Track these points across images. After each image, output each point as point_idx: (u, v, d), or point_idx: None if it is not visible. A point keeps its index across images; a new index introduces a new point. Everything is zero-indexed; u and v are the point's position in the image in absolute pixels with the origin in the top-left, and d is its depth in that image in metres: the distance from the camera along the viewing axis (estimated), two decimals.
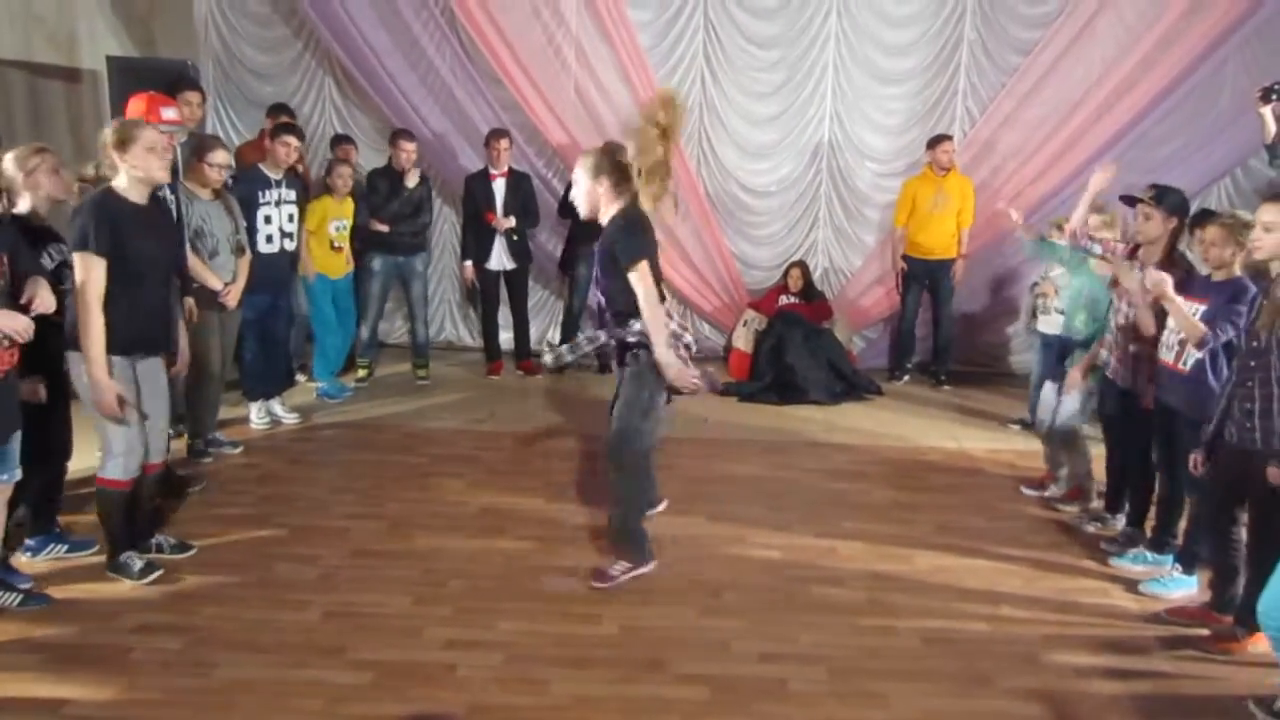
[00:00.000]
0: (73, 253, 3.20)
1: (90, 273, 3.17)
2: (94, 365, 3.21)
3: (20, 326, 2.90)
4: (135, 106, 3.98)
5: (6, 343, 2.97)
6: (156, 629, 3.20)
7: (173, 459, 4.21)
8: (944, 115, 7.01)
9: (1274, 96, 4.46)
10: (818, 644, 3.26)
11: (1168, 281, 3.41)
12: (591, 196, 3.44)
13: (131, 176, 3.30)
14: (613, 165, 3.40)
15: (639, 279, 3.35)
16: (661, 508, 4.21)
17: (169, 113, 4.07)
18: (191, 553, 3.74)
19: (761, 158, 7.19)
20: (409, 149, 6.05)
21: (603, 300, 3.55)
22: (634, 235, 3.39)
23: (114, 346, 3.28)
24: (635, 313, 3.40)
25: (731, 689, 2.98)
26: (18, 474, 3.18)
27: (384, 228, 5.98)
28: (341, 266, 5.82)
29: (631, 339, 3.45)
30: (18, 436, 3.11)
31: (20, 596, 3.29)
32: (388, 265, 6.14)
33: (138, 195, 3.33)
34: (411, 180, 6.06)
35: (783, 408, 6.14)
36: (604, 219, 3.47)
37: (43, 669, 2.95)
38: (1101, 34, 6.65)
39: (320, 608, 3.38)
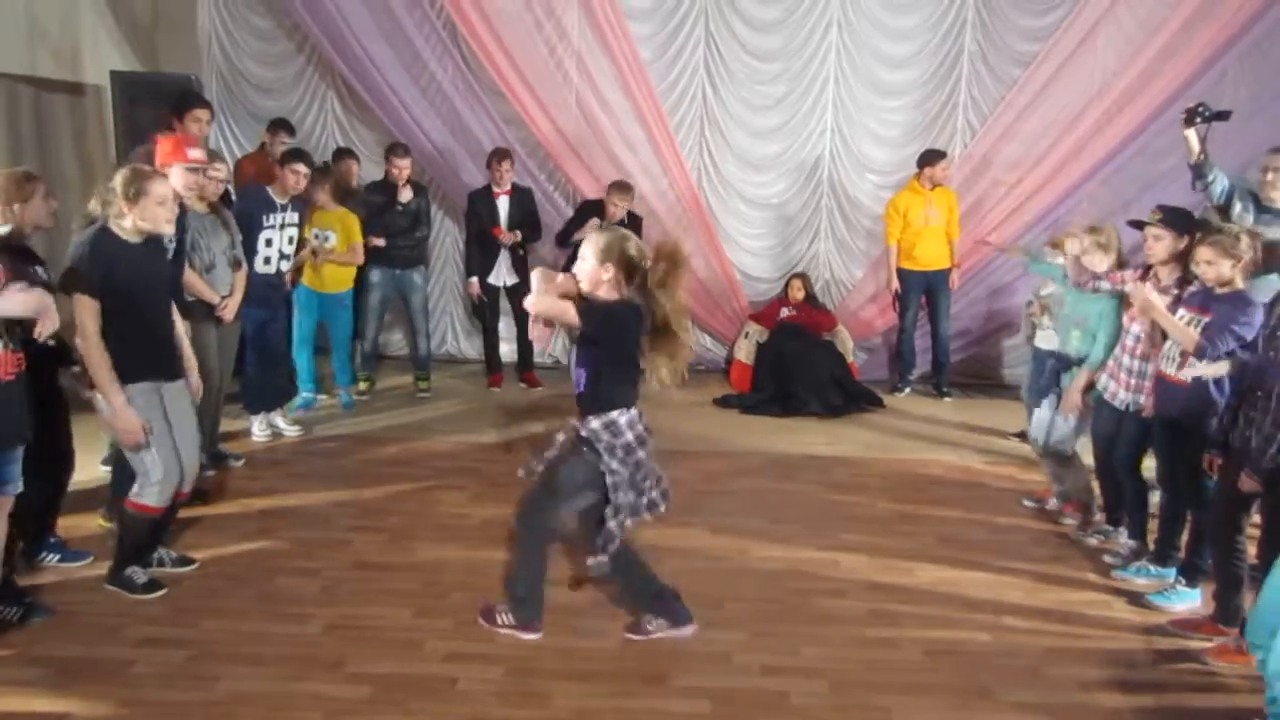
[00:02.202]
0: (68, 293, 3.23)
1: (85, 314, 3.21)
2: (111, 395, 3.24)
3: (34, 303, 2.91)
4: (163, 149, 3.99)
5: (13, 345, 2.99)
6: (158, 642, 3.20)
7: None
8: (944, 128, 7.04)
9: (1198, 119, 4.49)
10: (820, 656, 3.25)
11: (1152, 295, 3.47)
12: (594, 278, 3.08)
13: (136, 225, 3.33)
14: (622, 257, 3.05)
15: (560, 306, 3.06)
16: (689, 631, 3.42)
17: (195, 153, 4.06)
18: (193, 567, 3.74)
19: (762, 170, 7.22)
20: (401, 165, 6.07)
21: (580, 378, 3.16)
22: (614, 322, 3.09)
23: (133, 373, 3.31)
24: (600, 406, 3.11)
25: (733, 702, 2.97)
26: (19, 486, 3.19)
27: (380, 242, 5.99)
28: (331, 279, 5.73)
29: (584, 433, 3.13)
30: (20, 449, 3.13)
31: (23, 610, 3.28)
32: (385, 278, 6.16)
33: (136, 237, 3.36)
34: (405, 195, 6.07)
35: (784, 420, 6.14)
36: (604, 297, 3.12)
37: (44, 682, 2.94)
38: (1102, 47, 6.68)
39: (321, 620, 3.38)
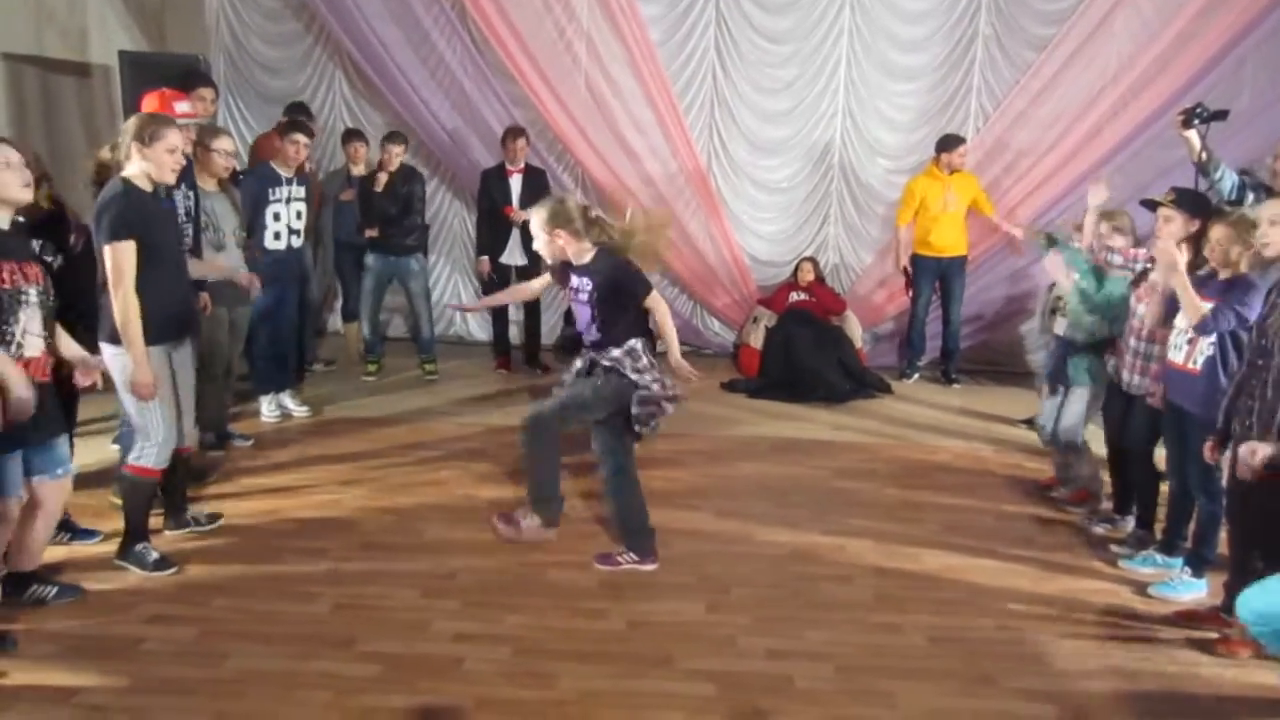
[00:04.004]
0: (104, 245, 3.25)
1: (122, 258, 3.24)
2: (135, 346, 3.28)
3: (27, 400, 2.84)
4: (149, 104, 4.00)
5: (44, 348, 3.02)
6: (168, 619, 3.23)
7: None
8: (958, 112, 6.99)
9: (1195, 121, 4.45)
10: (825, 641, 3.26)
11: (1180, 256, 3.42)
12: (552, 248, 3.57)
13: (142, 169, 3.36)
14: (565, 215, 3.52)
15: (656, 301, 3.64)
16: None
17: (182, 106, 4.12)
18: (220, 522, 3.92)
19: (772, 154, 7.18)
20: (394, 152, 6.01)
21: (594, 328, 3.65)
22: (634, 269, 3.60)
23: (149, 338, 3.33)
24: (617, 342, 3.61)
25: (738, 685, 2.99)
26: (71, 467, 3.26)
27: (372, 233, 6.01)
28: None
29: (606, 363, 3.62)
30: (65, 436, 3.22)
31: (56, 589, 3.32)
32: (379, 263, 6.15)
33: (146, 186, 3.39)
34: (380, 181, 5.98)
35: (792, 405, 6.13)
36: (577, 260, 3.62)
37: (56, 658, 2.98)
38: (1118, 31, 6.61)
39: (330, 600, 3.40)
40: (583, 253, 3.59)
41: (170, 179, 3.47)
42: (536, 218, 3.56)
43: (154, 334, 3.35)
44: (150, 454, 3.45)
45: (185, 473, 3.88)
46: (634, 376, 3.58)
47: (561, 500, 3.79)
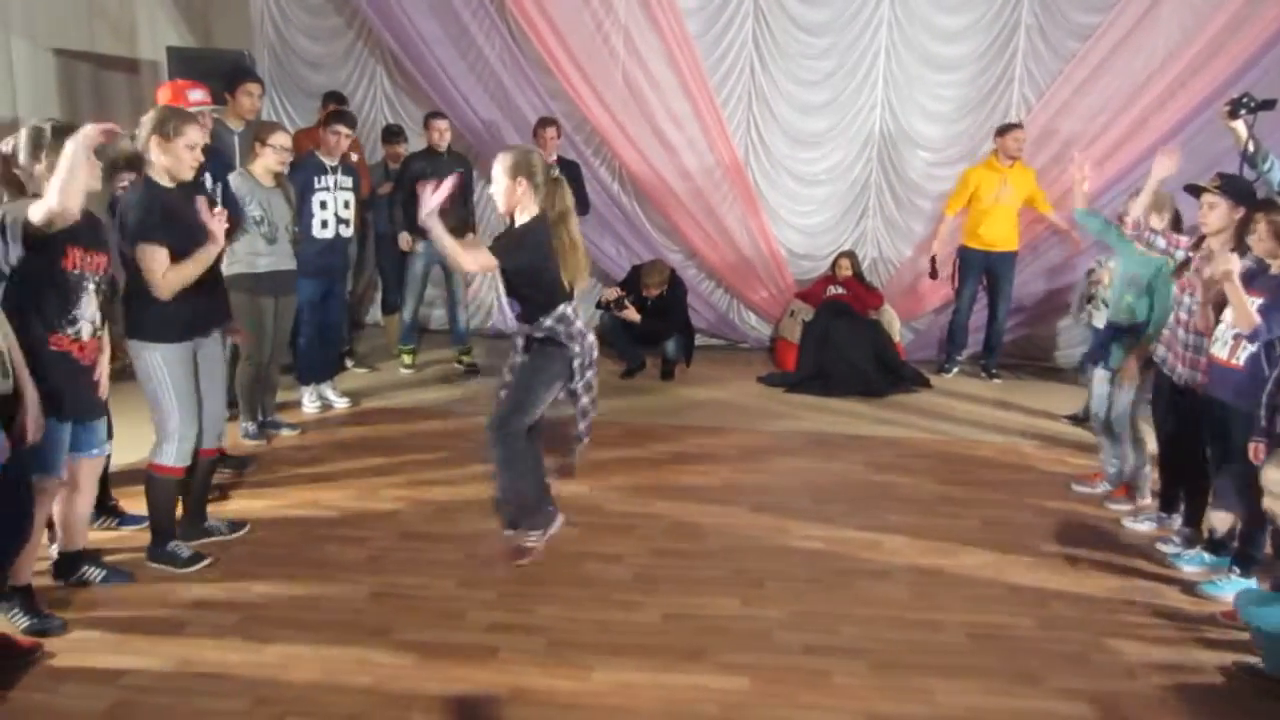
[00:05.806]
0: (134, 245, 3.27)
1: (155, 259, 3.27)
2: (198, 267, 3.36)
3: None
4: (163, 95, 4.13)
5: (95, 335, 3.10)
6: (211, 605, 3.29)
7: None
8: (999, 103, 6.88)
9: (1241, 110, 4.34)
10: (861, 636, 3.24)
11: (1235, 263, 3.32)
12: (510, 196, 3.43)
13: (161, 164, 3.35)
14: (529, 166, 3.42)
15: (483, 257, 3.43)
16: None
17: (197, 95, 4.20)
18: (245, 530, 3.84)
19: (811, 146, 7.12)
20: (440, 127, 6.01)
21: (512, 299, 3.58)
22: (516, 236, 3.45)
23: (173, 334, 3.36)
24: (545, 311, 3.48)
25: (773, 680, 2.97)
26: (108, 448, 3.33)
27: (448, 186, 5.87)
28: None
29: (539, 335, 3.51)
30: (104, 419, 3.30)
31: (105, 572, 3.40)
32: (429, 248, 6.14)
33: (168, 182, 3.39)
34: (442, 145, 6.01)
35: (829, 399, 6.08)
36: (518, 219, 3.47)
37: (102, 641, 3.05)
38: (1165, 18, 6.45)
39: (368, 588, 3.44)
40: (525, 213, 3.44)
41: (189, 175, 3.42)
42: (502, 163, 3.41)
43: (176, 330, 3.37)
44: (170, 452, 3.44)
45: (206, 478, 3.79)
46: (567, 344, 3.47)
47: (554, 510, 3.66)
